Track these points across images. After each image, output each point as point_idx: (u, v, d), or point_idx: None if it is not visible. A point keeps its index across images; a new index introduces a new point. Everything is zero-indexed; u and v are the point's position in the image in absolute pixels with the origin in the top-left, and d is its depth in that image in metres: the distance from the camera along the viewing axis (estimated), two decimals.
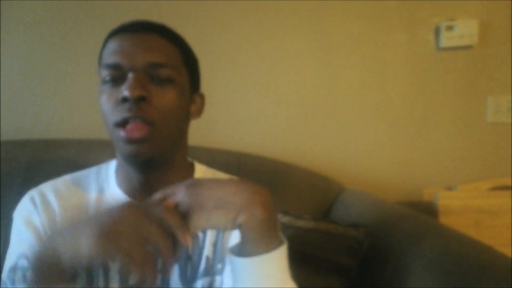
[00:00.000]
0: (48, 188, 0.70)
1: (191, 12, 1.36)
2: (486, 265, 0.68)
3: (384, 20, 1.41)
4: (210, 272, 0.67)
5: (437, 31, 1.41)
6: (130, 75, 0.62)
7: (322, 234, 0.99)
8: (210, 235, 0.68)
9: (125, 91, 0.61)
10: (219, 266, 0.67)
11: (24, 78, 1.33)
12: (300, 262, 0.93)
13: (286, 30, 1.39)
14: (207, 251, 0.67)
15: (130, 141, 0.62)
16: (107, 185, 0.71)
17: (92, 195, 0.70)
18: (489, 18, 1.41)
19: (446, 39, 1.39)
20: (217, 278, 0.67)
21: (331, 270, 0.94)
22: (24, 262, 0.63)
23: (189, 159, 0.76)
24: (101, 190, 0.71)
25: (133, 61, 0.63)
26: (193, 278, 0.67)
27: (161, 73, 0.64)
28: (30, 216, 0.67)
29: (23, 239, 0.66)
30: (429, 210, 1.35)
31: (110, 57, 0.64)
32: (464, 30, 1.39)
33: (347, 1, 1.39)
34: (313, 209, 1.23)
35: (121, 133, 0.62)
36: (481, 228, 1.31)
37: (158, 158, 0.65)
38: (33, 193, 0.70)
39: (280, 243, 0.53)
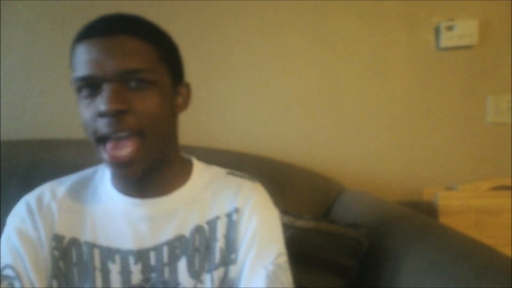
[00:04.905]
0: (45, 191, 0.69)
1: (191, 11, 1.36)
2: (486, 265, 0.68)
3: (384, 20, 1.41)
4: (224, 262, 0.68)
5: (437, 31, 1.41)
6: (105, 87, 0.58)
7: (322, 234, 0.99)
8: (220, 227, 0.69)
9: (101, 105, 0.58)
10: (232, 256, 0.68)
11: (24, 78, 1.33)
12: (300, 262, 0.93)
13: (287, 30, 1.39)
14: (220, 242, 0.68)
15: (115, 164, 0.60)
16: (102, 185, 0.71)
17: (88, 197, 0.70)
18: (489, 18, 1.41)
19: (446, 39, 1.39)
20: (231, 268, 0.68)
21: (331, 270, 0.94)
22: (10, 272, 0.62)
23: (187, 156, 0.75)
24: (95, 191, 0.70)
25: (106, 71, 0.58)
26: (203, 270, 0.67)
27: (138, 79, 0.60)
28: (23, 225, 0.66)
29: (11, 249, 0.64)
30: (429, 210, 1.35)
31: (80, 69, 0.60)
32: (464, 30, 1.38)
33: (347, 1, 1.39)
34: (313, 209, 1.23)
35: (104, 154, 0.60)
36: (481, 228, 1.31)
37: (150, 167, 0.63)
38: (29, 198, 0.69)
39: None
